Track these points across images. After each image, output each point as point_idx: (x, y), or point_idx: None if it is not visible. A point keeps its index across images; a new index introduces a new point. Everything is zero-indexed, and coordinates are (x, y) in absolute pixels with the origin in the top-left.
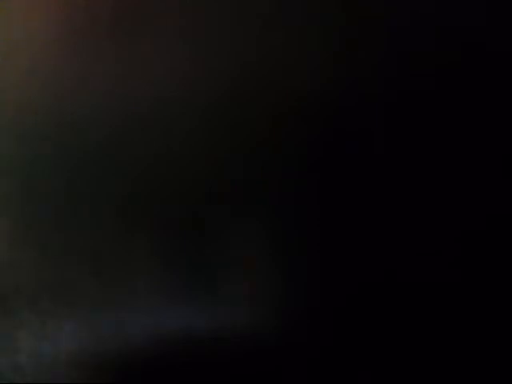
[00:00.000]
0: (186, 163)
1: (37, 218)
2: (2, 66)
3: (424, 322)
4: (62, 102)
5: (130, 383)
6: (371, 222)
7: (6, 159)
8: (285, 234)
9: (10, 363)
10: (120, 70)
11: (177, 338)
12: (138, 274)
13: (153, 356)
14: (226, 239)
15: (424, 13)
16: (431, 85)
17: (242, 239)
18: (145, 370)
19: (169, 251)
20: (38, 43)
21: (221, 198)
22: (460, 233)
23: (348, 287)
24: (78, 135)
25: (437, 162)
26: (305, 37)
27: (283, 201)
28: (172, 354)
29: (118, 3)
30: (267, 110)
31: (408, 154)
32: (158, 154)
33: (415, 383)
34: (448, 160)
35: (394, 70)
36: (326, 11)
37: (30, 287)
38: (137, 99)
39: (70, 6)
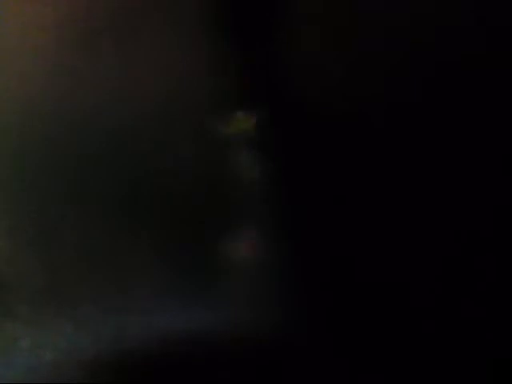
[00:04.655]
0: (185, 163)
1: (37, 218)
2: (2, 67)
3: (425, 321)
4: (62, 102)
5: (129, 383)
6: (371, 222)
7: (6, 159)
8: (284, 234)
9: (9, 363)
10: (120, 70)
11: (177, 338)
12: (138, 274)
13: (153, 356)
14: (225, 240)
15: (424, 13)
16: (431, 85)
17: (242, 239)
18: (145, 370)
19: (169, 251)
20: (37, 43)
21: (220, 197)
22: (459, 233)
23: (348, 287)
24: (78, 135)
25: (436, 162)
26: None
27: (283, 201)
28: (172, 354)
29: (117, 3)
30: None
31: (408, 153)
32: (157, 153)
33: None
34: (448, 160)
35: (393, 69)
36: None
37: (30, 287)
38: (137, 99)
39: (70, 6)
